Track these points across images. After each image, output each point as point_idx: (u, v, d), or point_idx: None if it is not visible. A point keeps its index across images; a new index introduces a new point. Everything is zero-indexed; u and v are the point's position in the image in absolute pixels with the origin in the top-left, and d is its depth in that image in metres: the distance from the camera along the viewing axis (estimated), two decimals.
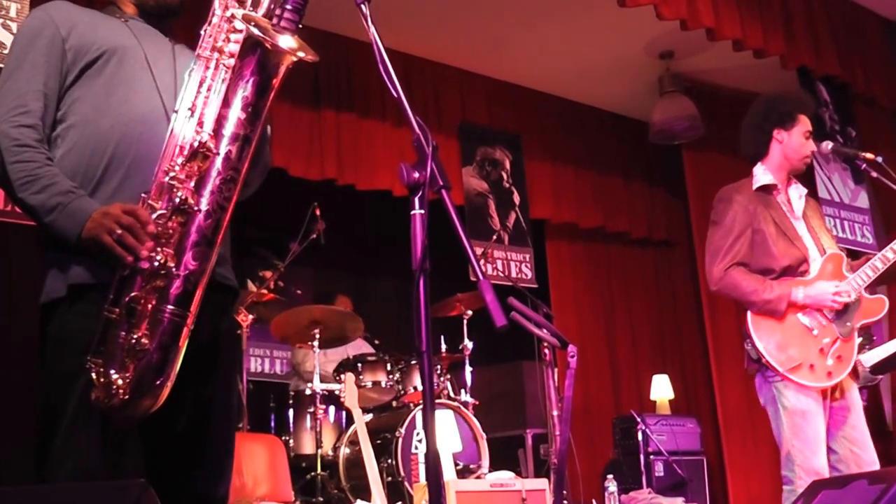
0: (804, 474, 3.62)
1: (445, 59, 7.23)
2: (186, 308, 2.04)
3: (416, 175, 1.88)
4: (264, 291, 5.89)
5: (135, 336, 1.98)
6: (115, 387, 1.97)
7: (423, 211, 1.88)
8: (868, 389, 6.48)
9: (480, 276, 1.77)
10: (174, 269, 2.02)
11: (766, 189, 4.04)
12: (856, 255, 6.24)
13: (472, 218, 7.12)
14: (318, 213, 5.77)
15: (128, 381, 1.97)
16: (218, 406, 2.30)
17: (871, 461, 3.78)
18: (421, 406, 5.46)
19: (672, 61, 7.43)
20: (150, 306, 2.00)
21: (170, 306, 2.01)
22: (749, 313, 3.85)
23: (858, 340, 3.92)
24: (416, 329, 1.77)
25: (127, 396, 1.97)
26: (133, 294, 2.00)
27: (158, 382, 2.00)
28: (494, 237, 7.15)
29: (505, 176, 7.46)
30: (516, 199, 7.49)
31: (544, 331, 2.77)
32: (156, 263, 2.00)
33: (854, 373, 3.88)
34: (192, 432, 2.22)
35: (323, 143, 6.47)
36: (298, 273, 7.16)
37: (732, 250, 3.90)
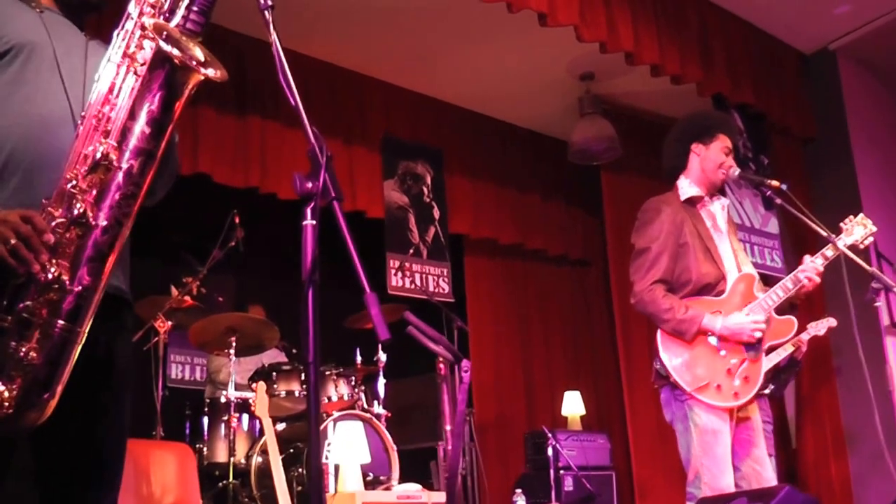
0: (710, 492, 3.66)
1: (371, 71, 7.25)
2: (78, 324, 1.96)
3: (309, 185, 1.87)
4: (183, 298, 5.85)
5: (24, 349, 1.91)
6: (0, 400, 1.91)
7: (314, 222, 1.84)
8: (774, 405, 6.66)
9: (367, 290, 1.75)
10: (68, 284, 1.95)
11: (692, 201, 4.12)
12: (766, 280, 6.43)
13: (391, 231, 7.14)
14: (237, 220, 5.76)
15: (14, 394, 1.90)
16: (111, 416, 2.24)
17: (770, 478, 3.87)
18: (332, 417, 5.51)
19: (592, 83, 7.55)
20: (41, 319, 1.93)
21: (61, 321, 1.94)
22: (659, 331, 3.88)
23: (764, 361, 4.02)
24: (304, 341, 1.76)
25: (11, 410, 1.91)
26: (26, 304, 1.93)
27: (45, 397, 1.93)
28: (412, 250, 7.19)
29: (426, 190, 7.50)
30: (436, 213, 7.53)
31: (440, 346, 2.79)
32: (49, 276, 1.93)
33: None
34: (84, 442, 2.16)
35: (247, 150, 6.43)
36: (221, 280, 7.12)
37: (657, 265, 3.92)
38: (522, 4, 5.36)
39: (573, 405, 8.10)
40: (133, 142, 2.03)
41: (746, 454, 3.90)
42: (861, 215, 4.12)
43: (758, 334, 3.86)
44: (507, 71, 7.31)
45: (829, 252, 4.02)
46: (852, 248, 4.03)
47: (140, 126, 2.04)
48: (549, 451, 6.87)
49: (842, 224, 4.10)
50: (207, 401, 6.16)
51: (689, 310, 3.84)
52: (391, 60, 7.13)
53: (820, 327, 5.83)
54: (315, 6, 6.20)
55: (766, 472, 3.88)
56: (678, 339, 3.85)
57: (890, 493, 5.16)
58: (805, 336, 5.79)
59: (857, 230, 4.07)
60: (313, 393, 1.74)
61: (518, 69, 7.28)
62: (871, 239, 4.08)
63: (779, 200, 4.21)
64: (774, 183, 4.17)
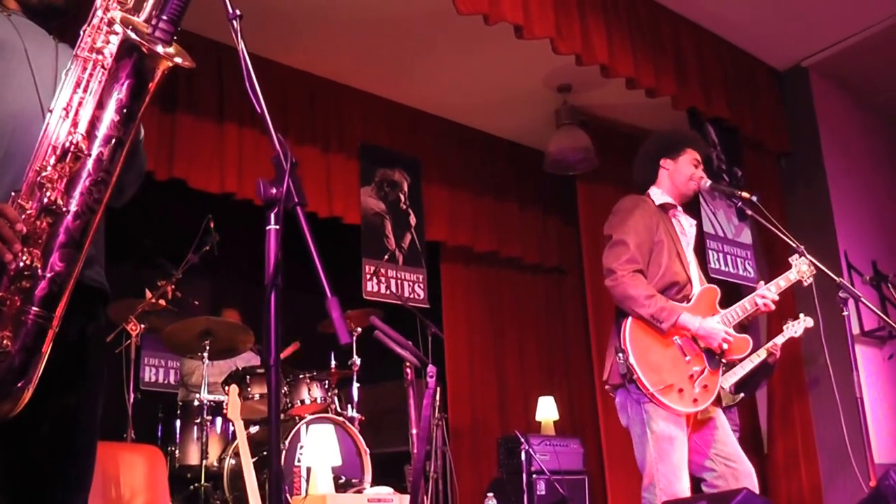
0: (666, 498, 3.70)
1: (349, 80, 7.29)
2: (51, 310, 1.95)
3: (273, 191, 1.88)
4: (157, 301, 5.86)
5: None
6: None
7: (277, 227, 1.86)
8: (746, 412, 6.73)
9: (328, 294, 1.78)
10: (40, 271, 1.94)
11: (664, 208, 4.22)
12: (737, 288, 6.49)
13: (367, 236, 7.17)
14: (212, 225, 5.79)
15: None
16: (83, 414, 2.21)
17: (748, 472, 3.91)
18: (304, 420, 5.53)
19: (569, 95, 7.62)
20: (14, 307, 1.92)
21: (34, 308, 1.93)
22: (628, 328, 3.91)
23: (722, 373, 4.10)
24: (266, 344, 1.78)
25: None
26: None
27: (20, 385, 1.92)
28: (387, 256, 7.22)
29: (402, 198, 7.53)
30: (412, 220, 7.56)
31: (406, 351, 2.82)
32: (22, 264, 1.92)
33: (717, 397, 4.03)
34: (55, 440, 2.13)
35: (224, 156, 6.45)
36: (197, 284, 7.14)
37: (638, 253, 3.98)
38: (499, 17, 5.40)
39: (547, 410, 8.13)
40: (103, 130, 2.03)
41: (713, 453, 3.96)
42: (808, 257, 4.31)
43: (725, 346, 3.95)
44: (484, 81, 7.36)
45: (782, 282, 4.21)
46: (798, 282, 4.27)
47: (109, 115, 2.04)
48: (522, 456, 6.89)
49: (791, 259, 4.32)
50: (180, 404, 6.17)
51: (668, 301, 3.92)
52: (369, 70, 7.17)
53: (797, 328, 5.71)
54: (294, 17, 6.24)
55: (742, 467, 3.92)
56: (650, 331, 3.90)
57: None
58: (780, 339, 5.72)
59: (804, 269, 4.27)
60: (274, 396, 1.77)
61: (495, 80, 7.33)
62: (810, 280, 4.28)
63: (749, 211, 4.31)
64: (745, 194, 4.27)
